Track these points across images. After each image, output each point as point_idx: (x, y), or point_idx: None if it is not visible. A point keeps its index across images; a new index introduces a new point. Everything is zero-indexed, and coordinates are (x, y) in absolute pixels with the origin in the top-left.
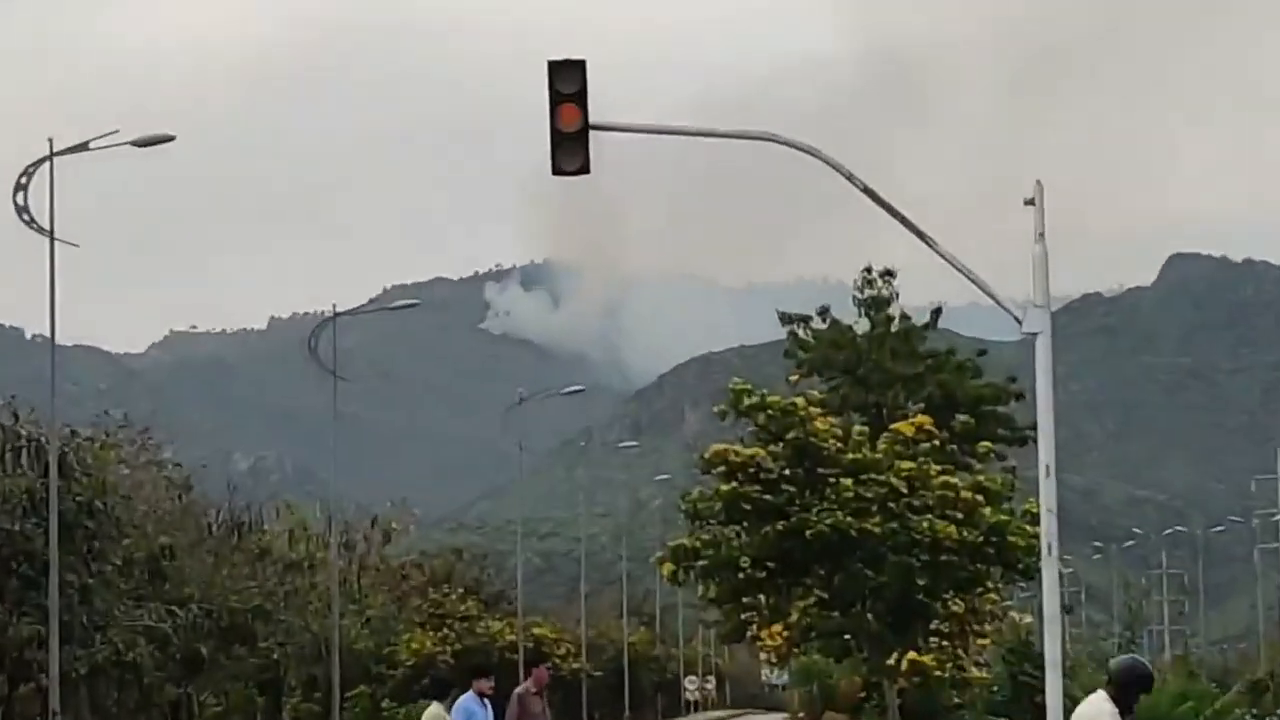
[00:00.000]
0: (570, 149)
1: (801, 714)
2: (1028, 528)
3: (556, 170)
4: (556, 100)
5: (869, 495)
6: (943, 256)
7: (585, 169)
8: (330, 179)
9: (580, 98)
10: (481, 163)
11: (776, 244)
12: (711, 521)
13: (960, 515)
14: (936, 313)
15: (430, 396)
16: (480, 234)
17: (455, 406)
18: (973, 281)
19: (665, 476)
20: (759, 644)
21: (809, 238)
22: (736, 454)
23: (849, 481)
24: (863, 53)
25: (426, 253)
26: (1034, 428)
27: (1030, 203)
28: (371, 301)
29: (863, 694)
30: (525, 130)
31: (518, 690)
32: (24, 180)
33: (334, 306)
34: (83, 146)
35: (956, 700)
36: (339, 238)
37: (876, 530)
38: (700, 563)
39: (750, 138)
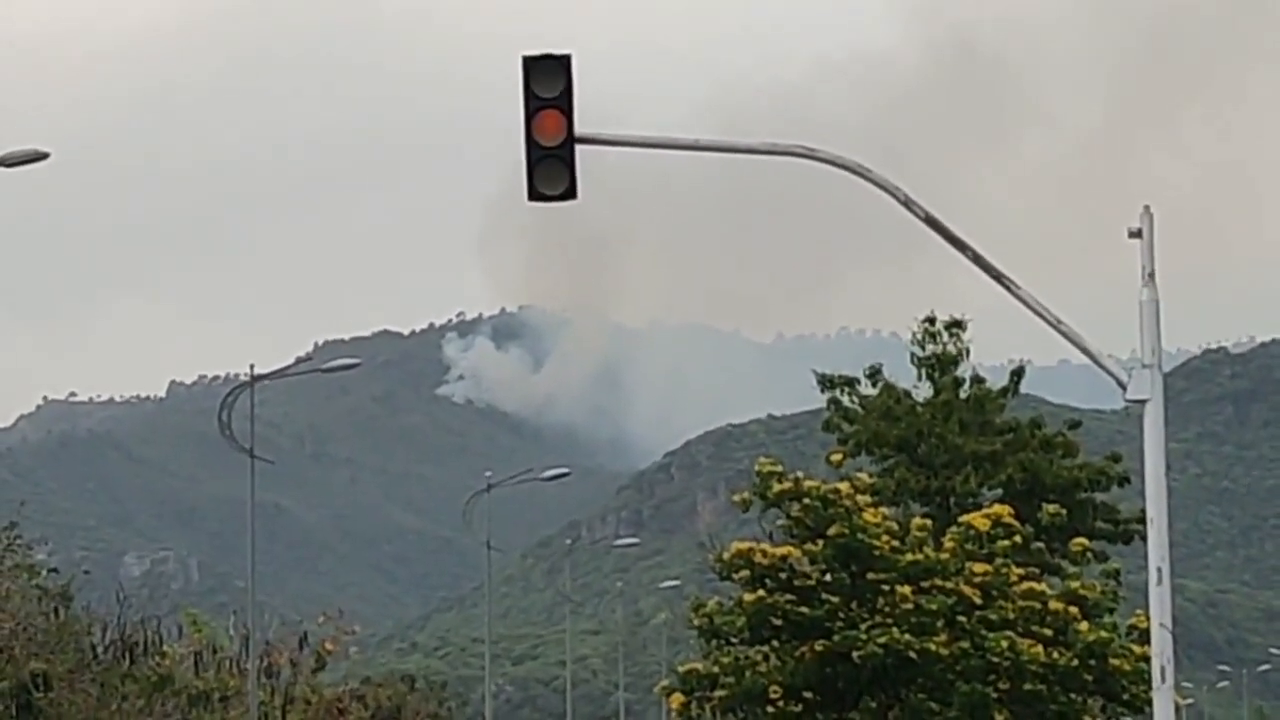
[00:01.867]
0: (551, 168)
1: None
2: (1135, 648)
3: (534, 195)
4: (534, 106)
5: (933, 607)
6: (1025, 303)
7: (571, 193)
8: (247, 203)
9: (564, 103)
10: (442, 186)
11: (814, 288)
12: (733, 641)
13: (1049, 632)
14: (1018, 374)
15: (374, 482)
16: (439, 275)
17: (406, 495)
18: (1063, 335)
19: (673, 583)
20: None
21: (855, 280)
22: (764, 554)
23: (907, 590)
24: (924, 44)
25: (369, 299)
26: (1142, 520)
27: (1137, 235)
28: (299, 361)
29: None
30: (496, 145)
31: None
32: None
33: (251, 368)
34: None
35: None
36: (258, 280)
37: (943, 652)
38: (719, 693)
39: (781, 154)
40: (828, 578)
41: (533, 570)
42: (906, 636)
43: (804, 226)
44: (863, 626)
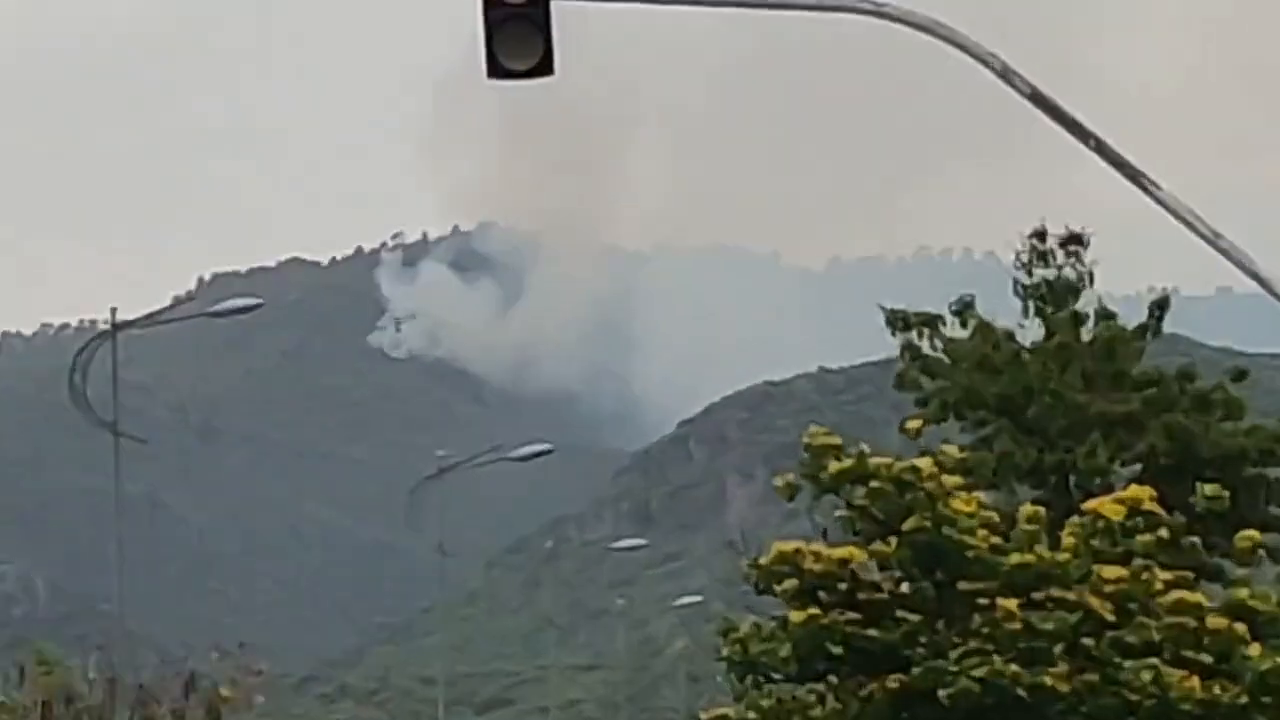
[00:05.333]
0: (519, 33)
1: None
2: None
3: (496, 70)
4: None
5: (1048, 627)
6: (1170, 210)
7: (546, 67)
8: (86, 85)
9: None
10: (371, 61)
11: (881, 196)
12: (775, 677)
13: (1208, 659)
14: (1160, 307)
15: (286, 468)
16: (370, 183)
17: (329, 485)
18: (1223, 253)
19: (694, 599)
20: None
21: (937, 185)
22: (817, 557)
23: (1012, 603)
24: None
25: (274, 216)
26: None
27: None
28: (178, 303)
29: None
30: (447, 4)
31: None
32: None
33: (112, 314)
34: None
35: None
36: (114, 192)
37: (1062, 688)
38: None
39: (837, 8)
40: (904, 588)
41: (504, 584)
42: (1012, 668)
43: (867, 114)
44: (952, 655)
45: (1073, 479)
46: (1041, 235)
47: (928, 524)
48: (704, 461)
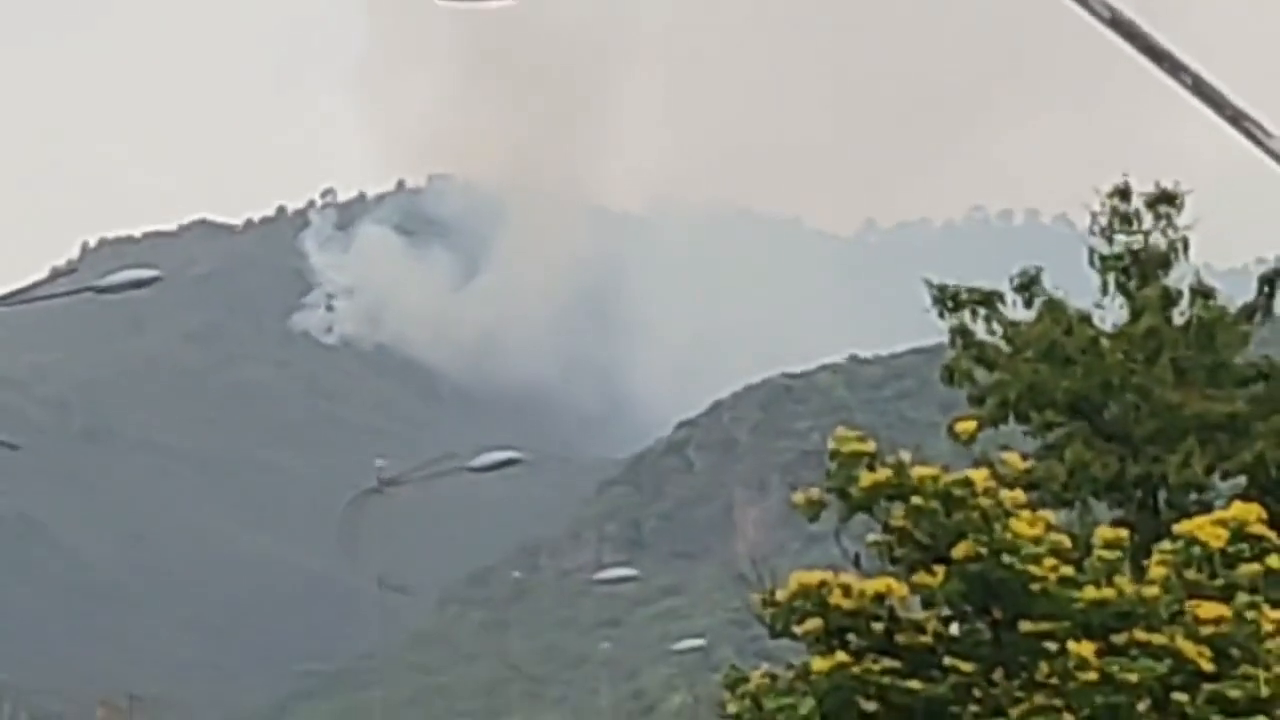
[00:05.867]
0: None
1: None
2: None
3: None
4: None
5: (1132, 678)
6: None
7: None
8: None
9: None
10: None
11: (925, 147)
12: None
13: None
14: (1270, 283)
15: (192, 480)
16: (293, 127)
17: (247, 501)
18: None
19: (695, 643)
20: None
21: (993, 132)
22: (847, 591)
23: (1087, 648)
24: None
25: (175, 170)
26: None
27: None
28: (57, 275)
29: None
30: None
31: None
32: None
33: None
34: None
35: None
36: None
37: None
38: None
39: None
40: (953, 630)
41: (462, 624)
42: None
43: (909, 45)
44: (1013, 713)
45: (1162, 495)
46: (1125, 193)
47: (983, 550)
48: (707, 473)
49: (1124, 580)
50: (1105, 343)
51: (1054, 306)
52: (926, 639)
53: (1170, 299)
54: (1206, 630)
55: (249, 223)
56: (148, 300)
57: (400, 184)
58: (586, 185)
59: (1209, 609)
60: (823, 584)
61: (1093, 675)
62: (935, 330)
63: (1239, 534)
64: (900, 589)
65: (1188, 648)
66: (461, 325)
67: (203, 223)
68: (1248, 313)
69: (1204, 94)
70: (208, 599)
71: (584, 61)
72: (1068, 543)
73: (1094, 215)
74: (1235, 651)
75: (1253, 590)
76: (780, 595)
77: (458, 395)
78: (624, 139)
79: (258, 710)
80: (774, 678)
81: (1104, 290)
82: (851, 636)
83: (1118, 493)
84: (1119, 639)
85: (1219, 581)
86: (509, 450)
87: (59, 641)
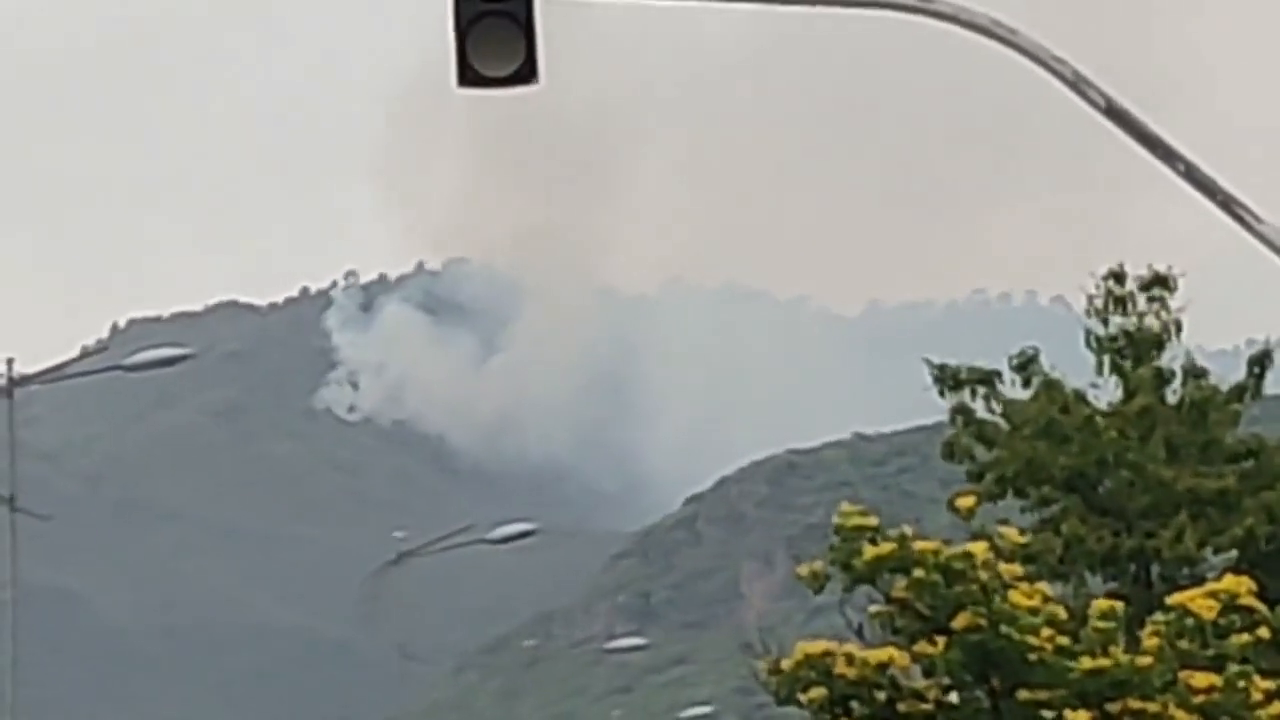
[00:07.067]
0: (496, 33)
1: None
2: None
3: (469, 77)
4: None
5: None
6: (1274, 248)
7: (528, 73)
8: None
9: None
10: (320, 67)
11: (928, 230)
12: None
13: None
14: (1260, 364)
15: (217, 551)
16: (317, 212)
17: (270, 572)
18: None
19: (703, 710)
20: None
21: (995, 217)
22: (851, 660)
23: (1083, 716)
24: None
25: (203, 252)
26: None
27: None
28: (88, 354)
29: None
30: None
31: None
32: None
33: (9, 365)
34: None
35: None
36: (19, 222)
37: None
38: None
39: (877, 4)
40: (953, 698)
41: (478, 692)
42: None
43: (912, 132)
44: None
45: (1155, 568)
46: (1119, 277)
47: (982, 621)
48: (716, 545)
49: (1118, 650)
50: (1100, 421)
51: (1051, 386)
52: (928, 707)
53: (1163, 379)
54: (1199, 699)
55: (274, 304)
56: (176, 378)
57: (420, 265)
58: (600, 268)
59: (1201, 678)
60: (827, 653)
61: None
62: (936, 408)
63: (1230, 606)
64: (902, 658)
65: (1181, 716)
66: (479, 403)
67: (229, 304)
68: (1238, 393)
69: (1196, 180)
70: (234, 666)
71: (597, 144)
72: (1064, 614)
73: (1090, 298)
74: (1226, 719)
75: (1243, 660)
76: (785, 664)
77: (475, 471)
78: (636, 221)
79: None
80: None
81: (1099, 370)
82: (855, 705)
83: (1112, 565)
84: (1114, 707)
85: (1211, 652)
86: (523, 523)
87: (90, 710)
